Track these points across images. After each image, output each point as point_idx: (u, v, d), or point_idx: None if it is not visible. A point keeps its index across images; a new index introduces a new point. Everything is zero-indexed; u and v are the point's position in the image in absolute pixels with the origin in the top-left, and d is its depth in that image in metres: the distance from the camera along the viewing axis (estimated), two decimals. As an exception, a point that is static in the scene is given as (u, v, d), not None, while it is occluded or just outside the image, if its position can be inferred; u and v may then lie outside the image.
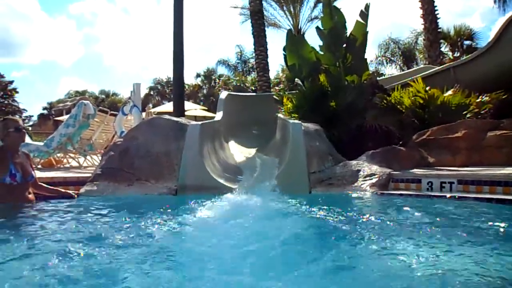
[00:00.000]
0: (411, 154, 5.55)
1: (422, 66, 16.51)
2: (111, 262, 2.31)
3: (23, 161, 4.31)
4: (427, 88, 6.98)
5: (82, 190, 4.85)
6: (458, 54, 22.04)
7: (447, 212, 3.50)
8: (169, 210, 3.67)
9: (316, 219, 3.39)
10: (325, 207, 3.68)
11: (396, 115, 7.06)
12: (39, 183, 4.53)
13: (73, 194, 4.69)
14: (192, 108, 23.36)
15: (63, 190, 4.69)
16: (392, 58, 29.44)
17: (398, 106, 7.11)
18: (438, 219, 3.25)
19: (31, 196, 4.29)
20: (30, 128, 31.68)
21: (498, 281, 1.97)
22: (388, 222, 3.17)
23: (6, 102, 40.68)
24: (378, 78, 10.94)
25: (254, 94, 16.82)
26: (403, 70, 24.59)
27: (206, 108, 27.44)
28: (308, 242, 2.82)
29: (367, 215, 3.45)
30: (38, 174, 4.75)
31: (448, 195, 4.11)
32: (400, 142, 6.36)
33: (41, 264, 2.24)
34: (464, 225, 3.03)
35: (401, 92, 7.15)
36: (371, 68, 27.54)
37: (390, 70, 29.05)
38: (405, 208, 3.64)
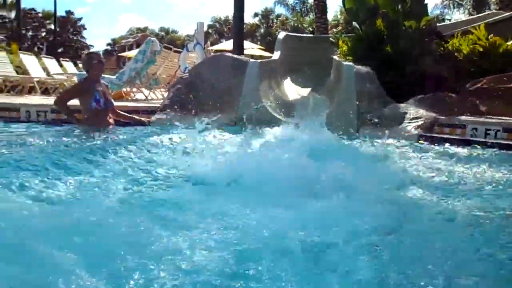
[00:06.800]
0: (461, 101, 5.63)
1: (490, 12, 15.47)
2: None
3: (104, 90, 4.99)
4: (490, 36, 6.81)
5: (153, 118, 5.46)
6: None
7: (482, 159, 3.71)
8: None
9: (359, 154, 3.75)
10: (369, 144, 4.03)
11: (453, 62, 7.00)
12: (118, 110, 5.21)
13: (146, 121, 5.35)
14: (249, 47, 23.51)
15: (137, 117, 5.35)
16: (461, 2, 27.43)
17: (456, 54, 7.02)
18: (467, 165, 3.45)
19: (111, 120, 4.99)
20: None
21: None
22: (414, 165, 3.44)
23: (75, 38, 42.65)
24: (438, 24, 10.57)
25: (311, 35, 16.67)
26: (471, 15, 23.03)
27: (263, 48, 27.44)
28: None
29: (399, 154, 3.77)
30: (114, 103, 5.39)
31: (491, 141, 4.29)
32: (456, 90, 6.37)
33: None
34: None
35: (460, 39, 7.03)
36: (436, 12, 26.01)
37: (458, 15, 27.24)
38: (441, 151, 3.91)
